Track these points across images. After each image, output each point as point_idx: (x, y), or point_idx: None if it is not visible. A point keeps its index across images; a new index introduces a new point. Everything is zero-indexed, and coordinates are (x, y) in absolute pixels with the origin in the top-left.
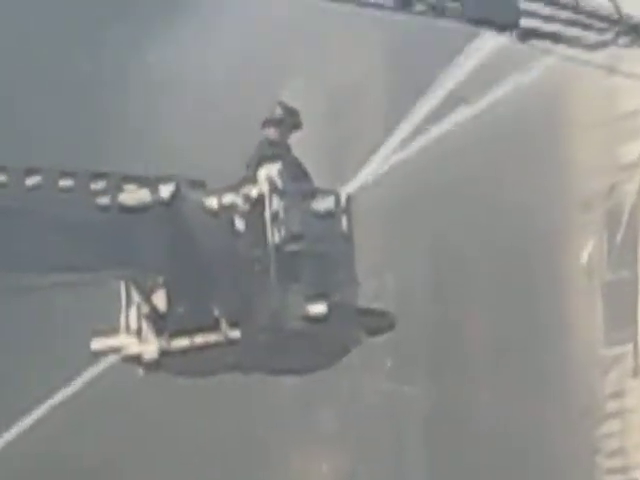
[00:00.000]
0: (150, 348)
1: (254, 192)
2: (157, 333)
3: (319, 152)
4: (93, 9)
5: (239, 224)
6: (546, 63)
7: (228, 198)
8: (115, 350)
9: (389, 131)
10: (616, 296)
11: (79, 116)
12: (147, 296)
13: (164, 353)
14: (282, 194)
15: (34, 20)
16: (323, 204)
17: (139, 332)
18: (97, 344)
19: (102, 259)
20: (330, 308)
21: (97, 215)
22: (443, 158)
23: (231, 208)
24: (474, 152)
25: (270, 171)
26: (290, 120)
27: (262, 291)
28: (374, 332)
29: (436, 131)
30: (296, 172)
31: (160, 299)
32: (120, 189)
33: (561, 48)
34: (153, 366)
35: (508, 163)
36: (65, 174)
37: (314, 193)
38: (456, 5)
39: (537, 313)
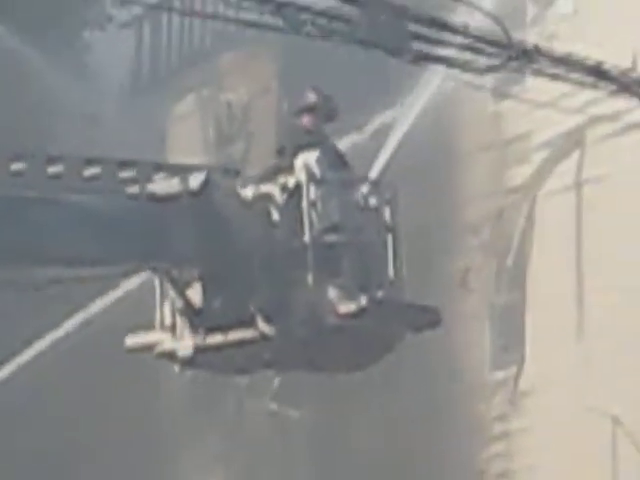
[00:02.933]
0: (185, 344)
1: (291, 181)
2: (192, 329)
3: None
4: None
5: (275, 215)
6: (436, 87)
7: (264, 188)
8: (149, 347)
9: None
10: (504, 319)
11: None
12: (181, 290)
13: (199, 349)
14: (320, 183)
15: None
16: (364, 193)
17: (173, 328)
18: (131, 340)
19: (132, 251)
20: (371, 303)
21: (126, 204)
22: None
23: (267, 198)
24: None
25: (307, 159)
26: (325, 106)
27: (299, 285)
28: (419, 328)
29: None
30: (335, 160)
31: (195, 293)
32: (150, 178)
33: (451, 72)
34: (188, 363)
35: (398, 187)
36: (91, 162)
37: (355, 182)
38: (346, 27)
39: (424, 336)
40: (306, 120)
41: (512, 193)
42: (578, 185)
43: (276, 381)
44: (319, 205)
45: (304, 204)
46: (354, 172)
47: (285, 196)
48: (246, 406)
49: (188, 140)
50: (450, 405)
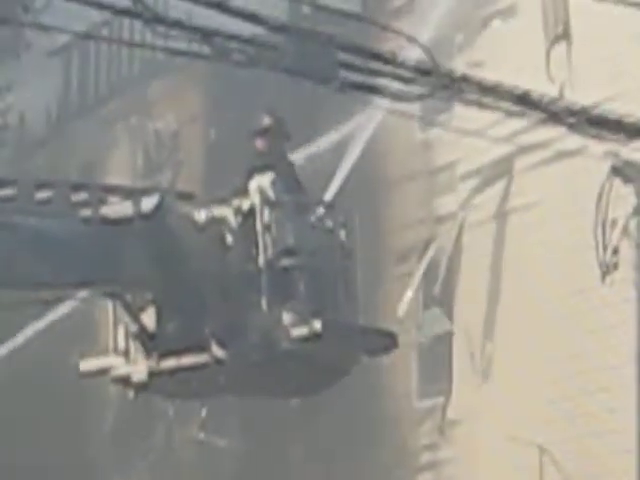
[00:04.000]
0: (139, 369)
1: (245, 204)
2: (146, 353)
3: None
4: None
5: (229, 238)
6: (364, 115)
7: (218, 211)
8: (103, 371)
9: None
10: (431, 349)
11: None
12: (135, 314)
13: (153, 374)
14: (274, 206)
15: None
16: (318, 216)
17: (127, 352)
18: (85, 365)
19: (85, 275)
20: (325, 327)
21: (78, 228)
22: None
23: (221, 221)
24: None
25: (261, 182)
26: (279, 129)
27: (253, 309)
28: (375, 352)
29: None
30: (290, 183)
31: (149, 318)
32: (103, 201)
33: (379, 100)
34: (142, 387)
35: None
36: (42, 185)
37: (309, 205)
38: (274, 55)
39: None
40: (259, 143)
41: (441, 222)
42: (504, 214)
43: (204, 410)
44: (273, 228)
45: (258, 227)
46: (308, 195)
47: (239, 219)
48: (175, 435)
49: (117, 168)
50: (378, 434)
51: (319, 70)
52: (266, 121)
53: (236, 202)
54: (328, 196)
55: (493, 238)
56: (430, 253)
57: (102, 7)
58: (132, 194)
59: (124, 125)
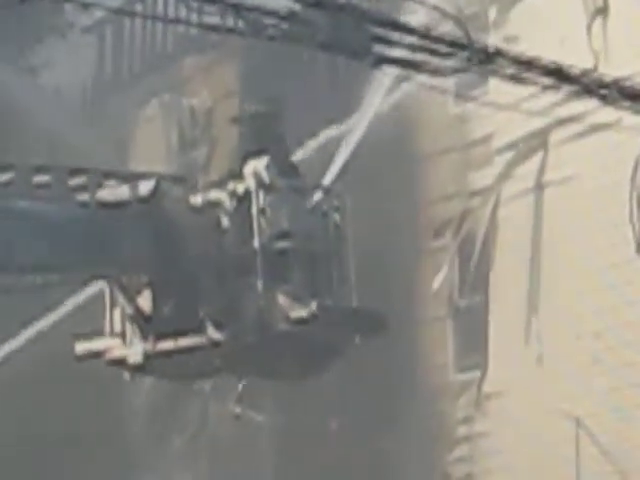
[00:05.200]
0: (134, 351)
1: (240, 188)
2: (142, 335)
3: None
4: None
5: (225, 221)
6: (400, 89)
7: (213, 194)
8: (99, 354)
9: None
10: (467, 322)
11: None
12: (131, 297)
13: (149, 356)
14: (269, 190)
15: None
16: (313, 200)
17: (123, 335)
18: (80, 347)
19: (82, 257)
20: (319, 309)
21: (75, 212)
22: None
23: (216, 205)
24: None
25: (256, 166)
26: (269, 111)
27: (248, 291)
28: (367, 333)
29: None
30: (285, 167)
31: (145, 300)
32: (100, 185)
33: (413, 75)
34: (138, 369)
35: (362, 190)
36: (40, 169)
37: (305, 189)
38: (308, 31)
39: (389, 339)
40: (248, 127)
41: (476, 196)
42: (540, 187)
43: (240, 385)
44: (268, 212)
45: (253, 211)
46: (305, 179)
47: (234, 203)
48: (211, 410)
49: (151, 145)
50: (415, 407)
51: (353, 45)
52: (251, 106)
53: (231, 186)
54: (327, 180)
55: (529, 212)
56: (466, 227)
57: None
58: (129, 178)
59: (158, 102)
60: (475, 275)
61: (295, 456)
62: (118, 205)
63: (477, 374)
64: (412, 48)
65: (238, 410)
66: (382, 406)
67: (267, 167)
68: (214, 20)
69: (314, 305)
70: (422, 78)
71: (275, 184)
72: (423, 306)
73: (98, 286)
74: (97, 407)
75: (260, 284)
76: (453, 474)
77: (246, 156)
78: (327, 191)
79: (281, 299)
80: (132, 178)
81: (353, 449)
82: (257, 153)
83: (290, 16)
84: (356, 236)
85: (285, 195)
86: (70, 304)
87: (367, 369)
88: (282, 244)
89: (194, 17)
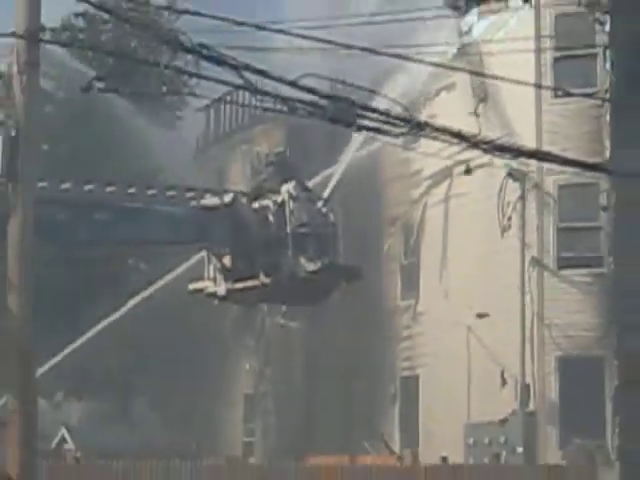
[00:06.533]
0: (221, 288)
1: (279, 199)
2: (225, 280)
3: None
4: None
5: (270, 217)
6: (373, 144)
7: (264, 202)
8: (201, 290)
9: None
10: (408, 273)
11: None
12: (220, 258)
13: (230, 291)
14: (294, 200)
15: None
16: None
17: (215, 278)
18: (191, 286)
19: (193, 238)
20: (322, 265)
21: (189, 212)
22: None
23: (266, 208)
24: None
25: (288, 187)
26: (286, 160)
27: (284, 256)
28: (349, 280)
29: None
30: (302, 186)
31: (227, 260)
32: (202, 196)
33: (380, 136)
34: (223, 299)
35: (348, 200)
36: (170, 187)
37: (314, 199)
38: (321, 111)
39: (364, 283)
40: (276, 167)
41: (413, 203)
42: (448, 199)
43: (284, 307)
44: (295, 212)
45: (286, 211)
46: (314, 194)
47: (276, 207)
48: (266, 321)
49: (235, 174)
50: (380, 321)
51: (345, 119)
52: (271, 157)
53: (274, 197)
54: (326, 194)
55: (442, 213)
56: (407, 220)
57: (224, 83)
58: (219, 193)
59: (240, 149)
60: (412, 247)
61: (314, 349)
62: (212, 208)
63: (413, 301)
64: (379, 121)
65: (282, 321)
66: (361, 320)
67: (294, 187)
68: (269, 104)
69: (320, 263)
70: (385, 138)
71: (298, 196)
72: (384, 264)
73: (200, 254)
74: (201, 321)
75: (290, 252)
76: (400, 356)
77: (282, 182)
78: (326, 201)
79: (302, 260)
80: (220, 192)
81: (346, 342)
82: (288, 179)
83: (312, 103)
84: (343, 225)
85: (303, 202)
86: (187, 264)
87: (352, 300)
88: (302, 230)
89: (258, 102)
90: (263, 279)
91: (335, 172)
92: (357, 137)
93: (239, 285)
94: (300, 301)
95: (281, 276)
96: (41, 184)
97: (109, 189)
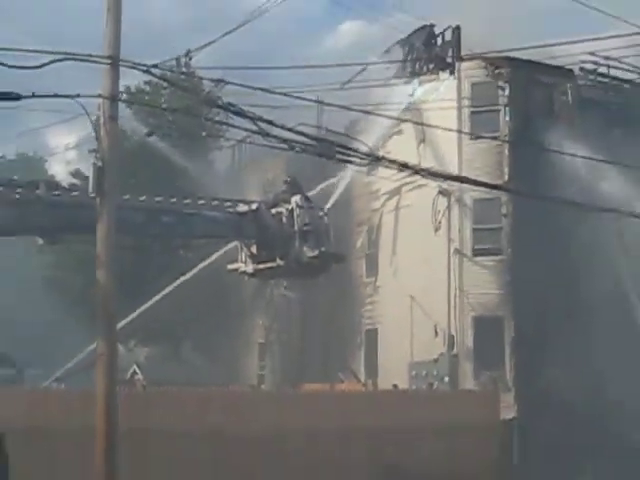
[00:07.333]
0: (249, 268)
1: (290, 207)
2: (253, 262)
3: None
4: None
5: (284, 219)
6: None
7: (279, 209)
8: (236, 269)
9: None
10: (370, 259)
11: None
12: (248, 247)
13: (256, 270)
14: (300, 207)
15: None
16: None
17: (245, 261)
18: (229, 267)
19: (228, 233)
20: (319, 253)
21: (226, 216)
22: None
23: (280, 213)
24: None
25: (296, 198)
26: (296, 182)
27: (292, 246)
28: (337, 262)
29: None
30: (305, 197)
31: (254, 248)
32: (236, 205)
33: (351, 166)
34: (251, 275)
35: (334, 208)
36: (214, 198)
37: (315, 208)
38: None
39: (343, 266)
40: (288, 186)
41: (373, 211)
42: (398, 209)
43: (285, 282)
44: (301, 216)
45: (295, 215)
46: (315, 204)
47: (288, 212)
48: (274, 292)
49: (257, 190)
50: (350, 291)
51: (330, 154)
52: (285, 179)
53: (286, 206)
54: (327, 206)
55: (393, 219)
56: (369, 224)
57: (244, 129)
58: (248, 202)
59: (264, 176)
60: (373, 241)
61: (306, 311)
62: (243, 213)
63: (374, 278)
64: (351, 155)
65: (284, 292)
66: (338, 291)
67: (300, 199)
68: (275, 144)
69: (317, 251)
70: (355, 167)
71: (303, 205)
72: (355, 253)
73: (234, 244)
74: (230, 291)
75: (297, 243)
76: (365, 315)
77: (291, 195)
78: (322, 209)
79: (305, 248)
80: (249, 202)
81: (328, 306)
82: (296, 194)
83: (304, 143)
84: (333, 226)
85: (307, 209)
86: (222, 250)
87: (333, 277)
88: (305, 228)
89: (268, 142)
90: (279, 262)
91: (334, 191)
92: (348, 170)
93: (262, 266)
94: (303, 277)
95: (291, 260)
96: (125, 196)
97: (172, 200)
